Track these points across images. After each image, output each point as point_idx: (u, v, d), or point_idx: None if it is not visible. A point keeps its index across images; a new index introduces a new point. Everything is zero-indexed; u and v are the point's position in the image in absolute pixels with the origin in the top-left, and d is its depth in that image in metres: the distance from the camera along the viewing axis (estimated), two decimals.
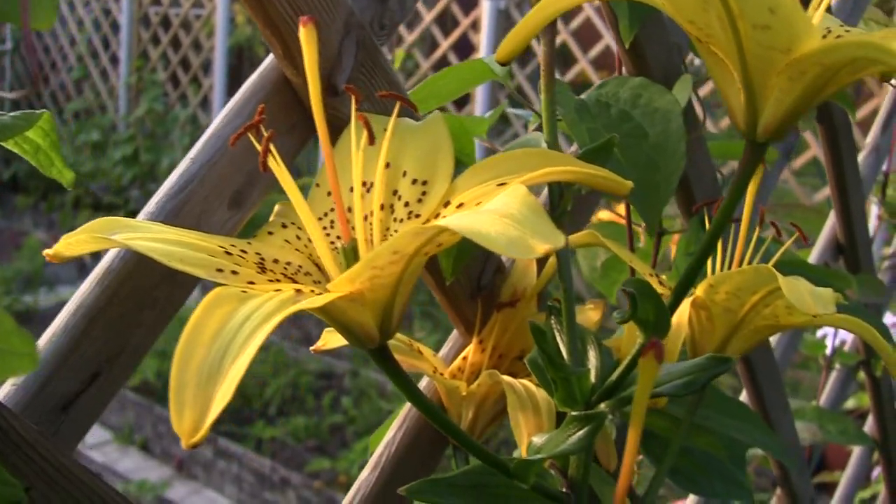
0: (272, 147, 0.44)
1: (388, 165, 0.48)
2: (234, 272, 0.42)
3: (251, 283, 0.42)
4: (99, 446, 3.38)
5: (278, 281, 0.43)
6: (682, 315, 0.60)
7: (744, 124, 0.43)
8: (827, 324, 0.63)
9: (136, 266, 0.47)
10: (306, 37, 0.41)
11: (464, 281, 0.59)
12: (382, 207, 0.47)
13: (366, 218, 0.46)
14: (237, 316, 0.37)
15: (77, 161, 5.22)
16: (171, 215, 0.47)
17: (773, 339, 1.05)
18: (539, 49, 0.53)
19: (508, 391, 0.56)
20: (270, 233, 0.48)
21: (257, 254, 0.45)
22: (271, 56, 0.50)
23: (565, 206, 0.53)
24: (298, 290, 0.40)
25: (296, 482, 3.01)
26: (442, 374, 0.61)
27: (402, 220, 0.46)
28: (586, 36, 3.96)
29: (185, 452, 3.32)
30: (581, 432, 0.48)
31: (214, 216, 0.49)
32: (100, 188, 5.18)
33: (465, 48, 4.34)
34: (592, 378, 0.53)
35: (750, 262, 0.70)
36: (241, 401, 3.55)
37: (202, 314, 0.36)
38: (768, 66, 0.40)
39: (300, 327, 4.12)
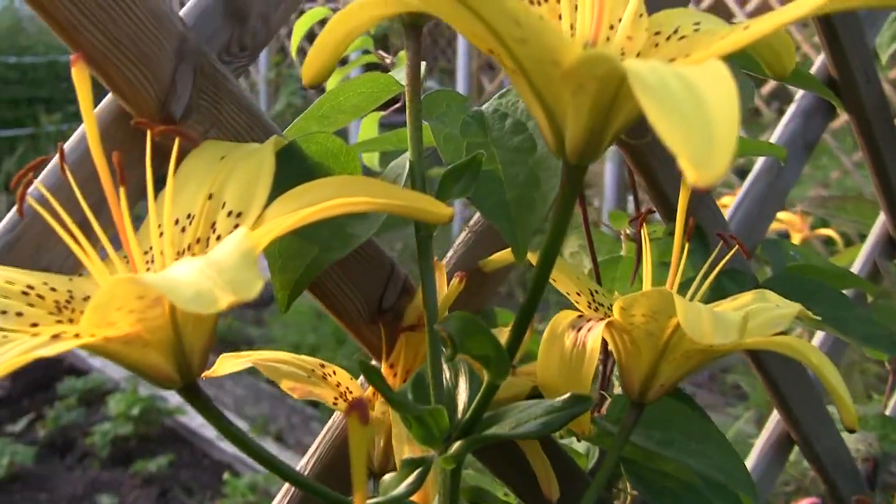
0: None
1: (210, 196, 0.46)
2: (18, 313, 0.41)
3: (35, 324, 0.41)
4: None
5: (70, 322, 0.42)
6: (595, 340, 0.55)
7: (552, 144, 0.39)
8: (762, 347, 0.58)
9: None
10: (77, 75, 0.39)
11: (360, 304, 0.57)
12: (199, 241, 0.45)
13: (182, 253, 0.45)
14: None
15: None
16: (3, 252, 0.47)
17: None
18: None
19: (394, 421, 0.54)
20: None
21: (69, 291, 0.44)
22: None
23: (431, 228, 0.50)
24: (56, 335, 0.38)
25: None
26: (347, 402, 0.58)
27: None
28: None
29: None
30: (411, 477, 0.45)
31: (54, 251, 0.48)
32: None
33: None
34: (460, 412, 0.50)
35: (705, 277, 0.65)
36: None
37: None
38: (549, 80, 0.37)
39: None
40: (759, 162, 0.85)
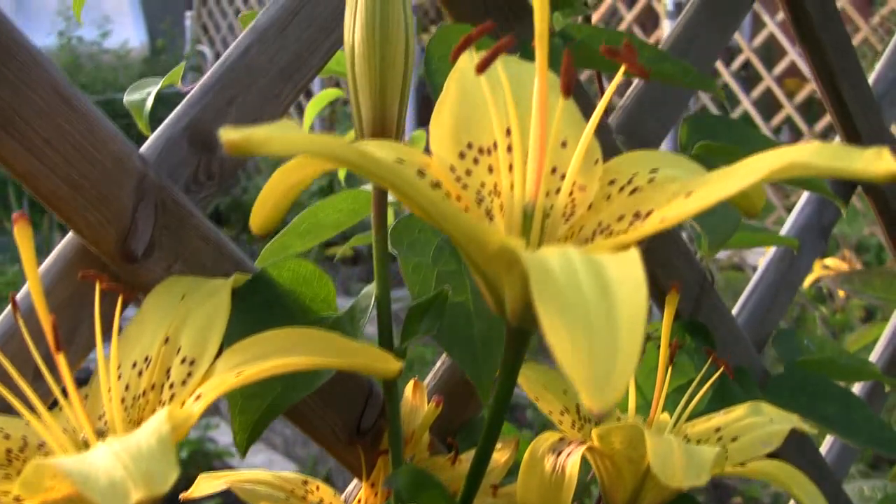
0: None
1: (167, 340, 0.46)
2: None
3: None
4: None
5: (19, 473, 0.42)
6: (573, 466, 0.54)
7: (493, 306, 0.39)
8: (744, 475, 0.56)
9: None
10: (19, 234, 0.40)
11: (337, 426, 0.56)
12: (154, 387, 0.45)
13: (137, 398, 0.45)
14: None
15: None
16: None
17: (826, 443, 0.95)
18: None
19: None
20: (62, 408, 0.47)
21: (23, 437, 0.44)
22: None
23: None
24: None
25: None
26: None
27: (164, 404, 0.44)
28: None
29: None
30: None
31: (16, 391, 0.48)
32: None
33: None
34: None
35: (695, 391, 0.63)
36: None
37: None
38: (481, 254, 0.36)
39: None
40: (771, 251, 0.83)
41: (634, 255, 0.30)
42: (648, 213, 0.38)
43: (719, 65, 3.68)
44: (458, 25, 0.56)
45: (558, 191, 0.41)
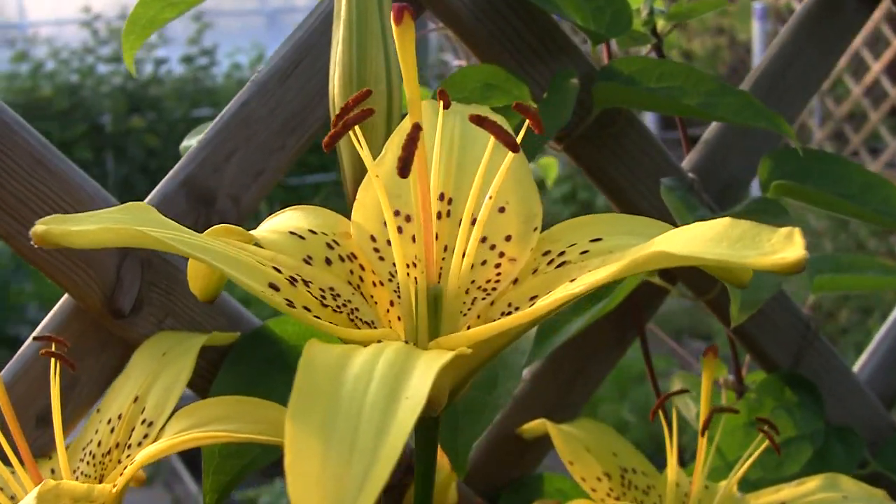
0: None
1: (136, 399, 0.46)
2: None
3: None
4: None
5: None
6: None
7: None
8: None
9: None
10: None
11: None
12: (118, 446, 0.45)
13: (105, 455, 0.45)
14: None
15: None
16: None
17: None
18: None
19: None
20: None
21: (12, 498, 0.46)
22: None
23: None
24: None
25: None
26: None
27: (122, 463, 0.44)
28: None
29: None
30: None
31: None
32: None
33: None
34: None
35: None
36: None
37: None
38: None
39: None
40: None
41: (434, 367, 0.27)
42: None
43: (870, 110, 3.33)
44: (476, 67, 0.53)
45: (484, 263, 0.37)
